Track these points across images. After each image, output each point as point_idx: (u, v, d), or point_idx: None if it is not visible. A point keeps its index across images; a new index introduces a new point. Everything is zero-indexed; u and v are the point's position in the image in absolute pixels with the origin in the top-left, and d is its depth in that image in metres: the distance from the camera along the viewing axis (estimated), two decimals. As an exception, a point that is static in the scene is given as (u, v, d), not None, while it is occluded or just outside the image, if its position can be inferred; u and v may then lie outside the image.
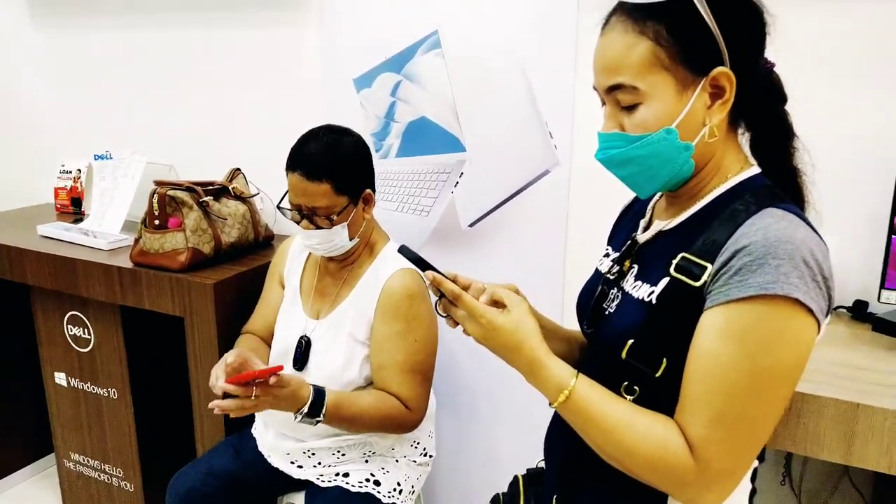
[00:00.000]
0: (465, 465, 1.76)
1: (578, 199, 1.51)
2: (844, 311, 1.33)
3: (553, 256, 1.55)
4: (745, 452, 0.69)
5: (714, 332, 0.68)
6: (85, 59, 2.16)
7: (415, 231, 1.67)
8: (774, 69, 0.78)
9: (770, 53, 0.76)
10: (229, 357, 1.13)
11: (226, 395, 1.08)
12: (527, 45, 1.47)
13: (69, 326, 1.79)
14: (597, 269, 0.93)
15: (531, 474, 1.02)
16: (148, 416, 1.78)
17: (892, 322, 1.22)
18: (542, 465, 0.99)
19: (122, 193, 1.83)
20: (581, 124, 1.47)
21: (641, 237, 0.84)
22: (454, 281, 0.79)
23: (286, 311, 1.39)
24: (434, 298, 0.81)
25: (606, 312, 0.84)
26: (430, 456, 1.44)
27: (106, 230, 1.81)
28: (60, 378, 1.86)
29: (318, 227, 1.25)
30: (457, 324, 0.79)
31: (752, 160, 0.79)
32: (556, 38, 1.44)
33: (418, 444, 1.41)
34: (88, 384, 1.81)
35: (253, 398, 1.07)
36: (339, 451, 1.33)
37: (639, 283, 0.79)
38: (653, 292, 0.75)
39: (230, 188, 1.71)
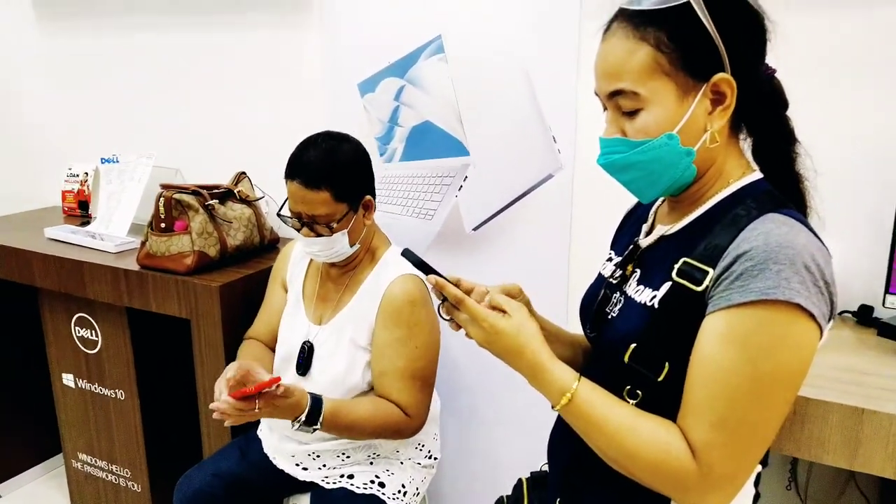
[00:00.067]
0: (469, 467, 1.77)
1: (582, 203, 1.51)
2: (850, 315, 1.32)
3: (557, 260, 1.55)
4: (748, 457, 0.69)
5: (716, 336, 0.68)
6: (91, 62, 2.18)
7: (419, 235, 1.68)
8: (776, 75, 0.78)
9: (771, 59, 0.76)
10: (229, 371, 1.13)
11: None
12: (530, 49, 1.47)
13: (77, 328, 1.80)
14: (599, 274, 0.93)
15: (535, 477, 1.03)
16: (155, 418, 1.79)
17: (897, 326, 1.22)
18: (546, 468, 0.99)
19: (128, 196, 1.84)
20: (584, 129, 1.47)
21: (644, 242, 0.84)
22: (457, 285, 0.80)
23: (289, 315, 1.40)
24: (437, 302, 0.81)
25: (609, 316, 0.84)
26: (435, 458, 1.44)
27: (113, 233, 1.82)
28: (68, 379, 1.88)
29: (319, 235, 1.25)
30: (459, 327, 0.80)
31: (754, 165, 0.80)
32: (559, 43, 1.44)
33: (423, 446, 1.41)
34: (96, 385, 1.82)
35: (256, 409, 1.09)
36: (343, 454, 1.33)
37: (641, 287, 0.79)
38: (655, 297, 0.76)
39: (236, 192, 1.73)
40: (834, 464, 0.98)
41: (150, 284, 1.58)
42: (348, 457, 1.33)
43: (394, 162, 1.69)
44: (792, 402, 0.69)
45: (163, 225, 1.58)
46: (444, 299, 0.79)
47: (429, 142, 1.63)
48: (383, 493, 1.31)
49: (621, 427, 0.71)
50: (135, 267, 1.61)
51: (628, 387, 0.76)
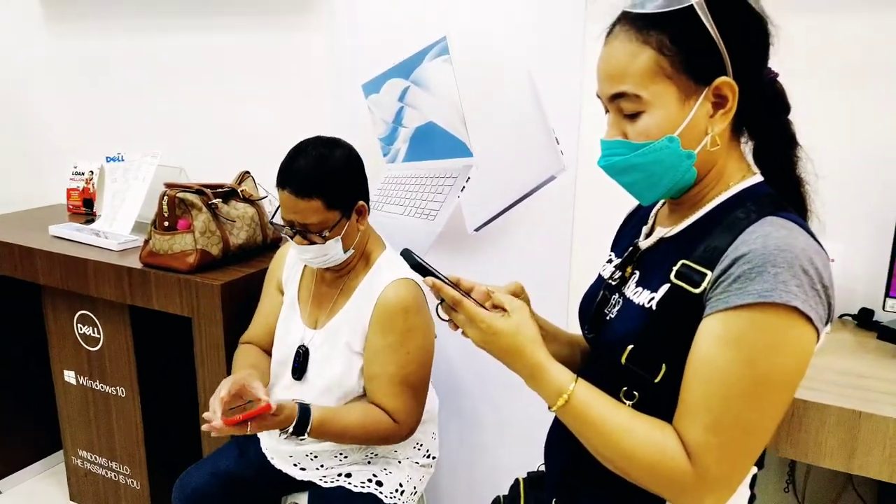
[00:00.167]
0: (467, 467, 1.77)
1: (584, 204, 1.52)
2: (850, 319, 1.33)
3: (558, 261, 1.55)
4: (743, 458, 0.70)
5: (713, 338, 0.68)
6: (98, 62, 2.19)
7: (421, 235, 1.68)
8: (778, 79, 0.79)
9: (773, 62, 0.77)
10: (223, 390, 1.13)
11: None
12: (534, 51, 1.48)
13: (79, 325, 1.81)
14: (599, 275, 0.93)
15: (532, 477, 1.03)
16: (155, 415, 1.80)
17: (896, 331, 1.22)
18: (543, 468, 0.99)
19: (133, 195, 1.85)
20: (587, 130, 1.47)
21: (643, 244, 0.84)
22: (457, 284, 0.80)
23: (285, 319, 1.39)
24: (435, 302, 0.81)
25: (607, 318, 0.84)
26: (434, 457, 1.44)
27: (117, 231, 1.83)
28: (69, 376, 1.89)
29: (312, 243, 1.24)
30: (458, 328, 0.80)
31: (755, 168, 0.80)
32: (563, 45, 1.45)
33: (421, 445, 1.42)
34: (97, 382, 1.83)
35: (248, 431, 1.10)
36: (341, 454, 1.34)
37: (640, 289, 0.80)
38: (653, 298, 0.76)
39: (239, 191, 1.73)
40: (831, 467, 0.99)
41: (152, 282, 1.59)
42: (346, 457, 1.34)
43: (397, 162, 1.70)
44: (788, 404, 0.70)
45: (166, 223, 1.59)
46: (443, 300, 0.79)
47: (432, 142, 1.63)
48: (381, 492, 1.32)
49: (617, 428, 0.72)
50: (138, 265, 1.62)
51: (625, 388, 0.76)
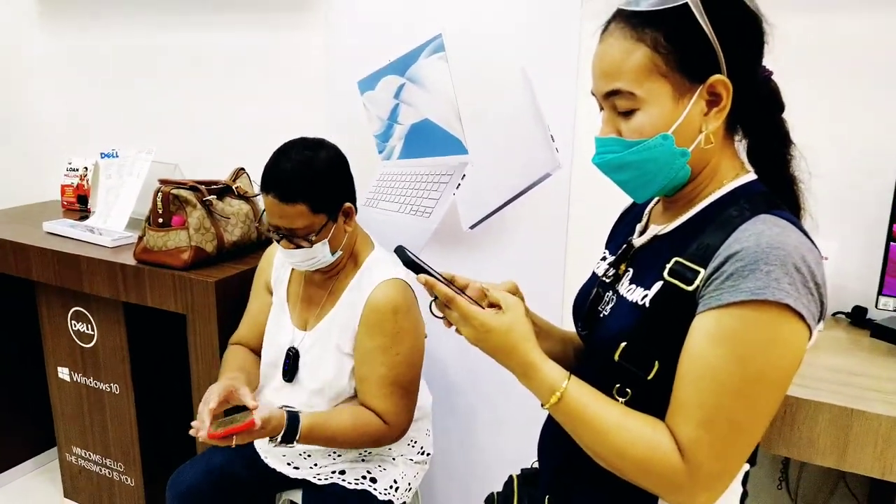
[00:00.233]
0: (461, 463, 1.77)
1: (579, 202, 1.52)
2: (843, 316, 1.33)
3: (554, 259, 1.55)
4: (735, 455, 0.70)
5: (705, 336, 0.68)
6: (92, 58, 2.18)
7: (416, 232, 1.68)
8: (772, 77, 0.79)
9: (769, 61, 0.77)
10: (213, 400, 1.13)
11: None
12: (529, 48, 1.48)
13: (73, 322, 1.80)
14: (593, 272, 0.94)
15: (525, 474, 1.03)
16: (149, 412, 1.80)
17: (889, 328, 1.23)
18: (537, 465, 1.00)
19: (127, 191, 1.85)
20: (582, 128, 1.47)
21: (637, 241, 0.85)
22: (451, 282, 0.80)
23: (274, 320, 1.38)
24: (429, 299, 0.81)
25: (601, 315, 0.84)
26: (428, 454, 1.44)
27: (111, 227, 1.82)
28: (63, 373, 1.88)
29: (299, 247, 1.22)
30: (451, 325, 0.80)
31: (749, 167, 0.80)
32: (559, 43, 1.45)
33: (415, 442, 1.42)
34: (91, 379, 1.83)
35: (234, 445, 1.09)
36: (334, 452, 1.34)
37: (633, 286, 0.80)
38: (646, 296, 0.76)
39: (234, 187, 1.73)
40: (823, 463, 0.99)
41: (146, 279, 1.59)
42: (339, 455, 1.34)
43: (392, 159, 1.70)
44: (780, 401, 0.70)
45: (160, 220, 1.59)
46: (436, 297, 0.79)
47: (427, 140, 1.63)
48: (375, 489, 1.32)
49: (610, 425, 0.72)
50: (132, 262, 1.61)
51: (618, 385, 0.76)
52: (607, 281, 0.86)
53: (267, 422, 1.11)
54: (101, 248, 1.72)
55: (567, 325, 1.00)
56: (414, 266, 0.79)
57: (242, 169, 1.81)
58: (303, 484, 1.36)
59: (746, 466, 0.80)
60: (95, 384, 1.82)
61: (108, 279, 1.64)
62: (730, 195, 0.76)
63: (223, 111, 1.99)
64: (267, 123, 1.91)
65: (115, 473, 1.87)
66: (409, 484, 1.39)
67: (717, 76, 0.71)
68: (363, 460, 1.36)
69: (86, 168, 2.23)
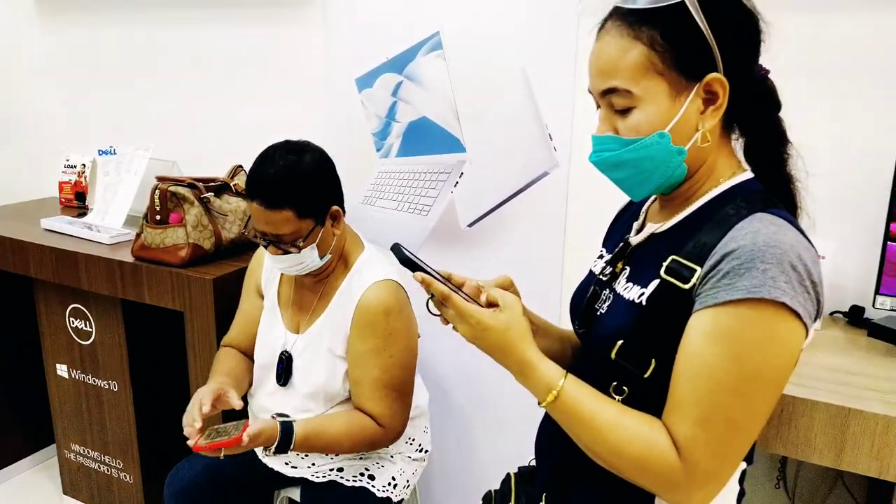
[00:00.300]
0: (459, 461, 1.77)
1: (577, 200, 1.52)
2: (841, 316, 1.33)
3: (551, 257, 1.55)
4: (732, 454, 0.70)
5: (701, 334, 0.68)
6: (90, 55, 2.18)
7: (414, 230, 1.68)
8: (769, 76, 0.78)
9: (767, 60, 0.77)
10: (206, 404, 1.14)
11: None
12: (527, 46, 1.48)
13: (71, 319, 1.80)
14: (590, 270, 0.93)
15: (523, 472, 1.03)
16: (148, 409, 1.80)
17: (886, 328, 1.23)
18: (535, 463, 1.00)
19: (125, 188, 1.84)
20: (580, 126, 1.47)
21: (634, 239, 0.84)
22: (448, 279, 0.80)
23: (266, 323, 1.37)
24: (425, 298, 0.81)
25: (598, 313, 0.84)
26: (426, 451, 1.44)
27: (109, 224, 1.82)
28: (62, 370, 1.88)
29: (287, 252, 1.21)
30: (448, 322, 0.80)
31: (746, 165, 0.80)
32: (557, 41, 1.45)
33: (413, 440, 1.42)
34: (89, 376, 1.83)
35: (222, 456, 1.10)
36: (332, 451, 1.34)
37: (630, 284, 0.80)
38: (643, 294, 0.76)
39: (231, 185, 1.73)
40: (820, 463, 0.99)
41: (144, 276, 1.59)
42: (336, 454, 1.34)
43: (390, 157, 1.70)
44: (776, 400, 0.70)
45: (158, 217, 1.58)
46: (433, 295, 0.79)
47: (425, 138, 1.63)
48: (373, 486, 1.32)
49: (606, 424, 0.72)
50: (130, 259, 1.61)
51: (615, 383, 0.76)
52: (604, 279, 0.86)
53: (257, 436, 1.11)
54: (99, 245, 1.72)
55: (565, 323, 1.00)
56: (410, 264, 0.79)
57: (240, 166, 1.81)
58: (301, 482, 1.36)
59: (743, 465, 0.80)
60: (94, 381, 1.82)
61: (106, 276, 1.64)
62: (726, 193, 0.76)
63: (222, 109, 1.98)
64: (266, 122, 1.90)
65: (113, 470, 1.87)
66: (408, 481, 1.39)
67: (713, 74, 0.71)
68: (361, 458, 1.36)
69: (84, 165, 2.23)
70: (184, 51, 2.00)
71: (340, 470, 1.33)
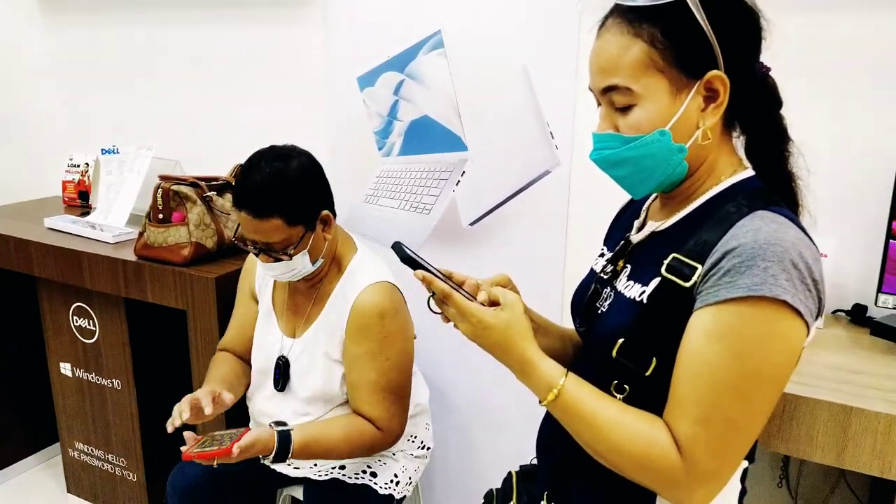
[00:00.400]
0: (461, 459, 1.78)
1: (578, 199, 1.52)
2: (843, 314, 1.33)
3: (553, 255, 1.55)
4: (733, 452, 0.70)
5: (702, 332, 0.68)
6: (93, 55, 2.18)
7: (416, 229, 1.69)
8: (770, 73, 0.78)
9: (768, 59, 0.77)
10: (185, 411, 1.14)
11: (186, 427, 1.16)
12: (529, 45, 1.48)
13: (74, 318, 1.81)
14: (592, 269, 0.93)
15: (525, 471, 1.03)
16: (151, 408, 1.80)
17: (889, 326, 1.22)
18: (536, 461, 1.00)
19: (128, 187, 1.85)
20: (582, 125, 1.47)
21: (635, 237, 0.84)
22: (449, 277, 0.80)
23: (262, 328, 1.37)
24: (426, 296, 0.81)
25: (599, 311, 0.84)
26: (428, 448, 1.45)
27: (112, 223, 1.83)
28: (65, 368, 1.89)
29: (278, 260, 1.19)
30: (449, 320, 0.80)
31: (747, 163, 0.80)
32: (558, 39, 1.45)
33: (415, 437, 1.42)
34: (93, 375, 1.83)
35: (215, 465, 1.09)
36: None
37: (631, 282, 0.80)
38: (644, 292, 0.76)
39: (234, 183, 1.73)
40: (822, 461, 0.99)
41: (147, 275, 1.59)
42: (336, 459, 1.33)
43: (392, 156, 1.70)
44: (777, 398, 0.70)
45: (161, 216, 1.59)
46: (434, 293, 0.79)
47: (427, 136, 1.63)
48: (375, 483, 1.32)
49: (607, 422, 0.72)
50: (132, 257, 1.62)
51: (616, 381, 0.76)
52: (605, 277, 0.86)
53: (249, 447, 1.10)
54: (103, 244, 1.73)
55: (567, 321, 1.00)
56: (411, 262, 0.79)
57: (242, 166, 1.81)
58: (303, 480, 1.36)
59: (745, 463, 0.80)
60: (97, 380, 1.83)
61: (109, 275, 1.64)
62: (727, 191, 0.76)
63: (222, 109, 1.99)
64: (266, 122, 1.91)
65: (117, 469, 1.88)
66: (410, 478, 1.39)
67: (714, 72, 0.71)
68: (362, 456, 1.36)
69: (87, 164, 2.24)
70: (184, 50, 2.01)
71: (343, 468, 1.33)
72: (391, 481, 1.34)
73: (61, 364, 1.89)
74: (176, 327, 1.65)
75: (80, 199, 2.24)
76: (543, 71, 1.47)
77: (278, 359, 1.31)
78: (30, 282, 1.87)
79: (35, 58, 2.30)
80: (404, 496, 1.38)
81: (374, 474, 1.33)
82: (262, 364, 1.35)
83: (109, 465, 1.89)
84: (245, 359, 1.41)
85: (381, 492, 1.32)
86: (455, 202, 1.63)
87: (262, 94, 1.91)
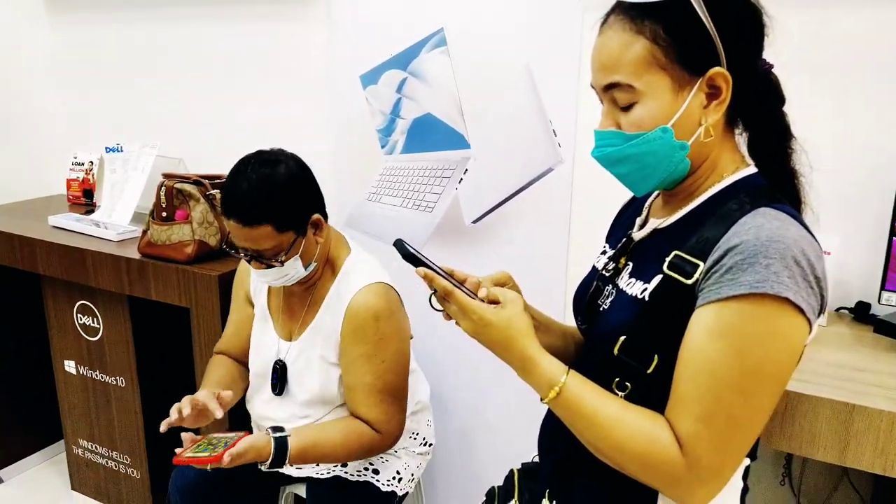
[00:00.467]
0: (463, 457, 1.78)
1: (581, 196, 1.51)
2: (847, 312, 1.32)
3: (556, 253, 1.55)
4: (734, 450, 0.70)
5: (704, 329, 0.68)
6: (97, 53, 2.19)
7: (418, 226, 1.69)
8: (772, 70, 0.78)
9: (770, 56, 0.76)
10: (210, 404, 1.15)
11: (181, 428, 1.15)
12: (531, 42, 1.47)
13: (79, 315, 1.82)
14: (594, 266, 0.93)
15: (526, 468, 1.03)
16: (155, 405, 1.81)
17: (892, 324, 1.22)
18: (538, 459, 1.00)
19: (132, 186, 1.85)
20: (585, 122, 1.47)
21: (637, 235, 0.84)
22: (451, 275, 0.80)
23: (258, 331, 1.36)
24: (428, 292, 0.81)
25: (601, 309, 0.84)
26: (430, 444, 1.45)
27: (116, 221, 1.83)
28: (70, 366, 1.90)
29: (270, 266, 1.18)
30: (451, 318, 0.80)
31: (749, 160, 0.80)
32: (561, 36, 1.44)
33: (417, 434, 1.42)
34: (97, 372, 1.84)
35: (209, 469, 1.09)
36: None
37: (633, 280, 0.80)
38: (646, 289, 0.76)
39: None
40: (824, 459, 0.99)
41: (150, 273, 1.60)
42: (335, 463, 1.33)
43: (395, 154, 1.70)
44: (779, 395, 0.70)
45: (164, 214, 1.59)
46: (435, 290, 0.79)
47: (430, 134, 1.63)
48: (377, 480, 1.33)
49: (609, 420, 0.72)
50: (136, 255, 1.62)
51: (618, 379, 0.76)
52: (607, 275, 0.86)
53: (243, 454, 1.09)
54: (107, 242, 1.73)
55: (569, 318, 1.00)
56: (413, 259, 0.79)
57: (246, 164, 1.81)
58: (306, 478, 1.36)
59: (747, 461, 0.80)
60: (101, 377, 1.83)
61: (113, 273, 1.65)
62: (730, 188, 0.76)
63: (225, 108, 1.99)
64: (268, 120, 1.91)
65: (121, 466, 1.89)
66: (412, 475, 1.39)
67: (716, 69, 0.71)
68: (365, 453, 1.36)
69: (91, 162, 2.25)
70: (186, 49, 2.01)
71: (345, 465, 1.34)
72: (393, 478, 1.35)
73: (65, 362, 1.90)
74: (179, 325, 1.65)
75: (84, 198, 2.24)
76: (546, 68, 1.47)
77: (275, 363, 1.31)
78: (34, 280, 1.88)
79: (35, 57, 2.30)
80: (406, 493, 1.38)
81: (376, 471, 1.34)
82: (260, 368, 1.34)
83: (113, 463, 1.90)
84: (241, 361, 1.41)
85: (384, 489, 1.33)
86: (458, 200, 1.63)
87: (264, 92, 1.91)
